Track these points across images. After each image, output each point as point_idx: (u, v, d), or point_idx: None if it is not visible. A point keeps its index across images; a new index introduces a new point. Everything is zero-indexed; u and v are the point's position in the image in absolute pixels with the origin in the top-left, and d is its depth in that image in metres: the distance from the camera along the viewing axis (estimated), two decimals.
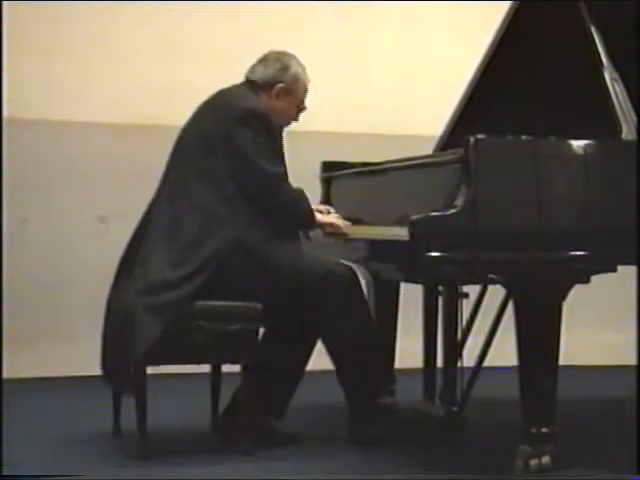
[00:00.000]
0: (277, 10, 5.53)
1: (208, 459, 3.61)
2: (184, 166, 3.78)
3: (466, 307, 3.92)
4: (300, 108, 3.93)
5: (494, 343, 3.99)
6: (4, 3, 4.80)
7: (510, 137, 3.39)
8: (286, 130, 3.93)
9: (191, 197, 3.70)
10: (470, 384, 3.95)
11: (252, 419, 3.67)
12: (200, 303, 3.59)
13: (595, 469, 3.48)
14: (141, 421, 3.57)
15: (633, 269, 3.65)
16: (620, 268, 3.47)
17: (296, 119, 3.94)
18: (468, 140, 3.31)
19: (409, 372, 4.27)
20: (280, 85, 3.86)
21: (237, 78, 3.91)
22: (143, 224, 3.82)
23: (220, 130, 3.72)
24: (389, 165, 4.03)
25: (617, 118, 3.49)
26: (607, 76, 3.57)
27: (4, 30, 5.02)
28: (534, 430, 3.36)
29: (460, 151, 3.35)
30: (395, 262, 3.67)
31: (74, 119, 5.37)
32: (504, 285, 3.44)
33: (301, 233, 3.86)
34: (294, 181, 3.82)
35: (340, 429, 3.88)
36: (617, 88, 3.55)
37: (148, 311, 3.53)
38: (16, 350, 4.95)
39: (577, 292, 3.41)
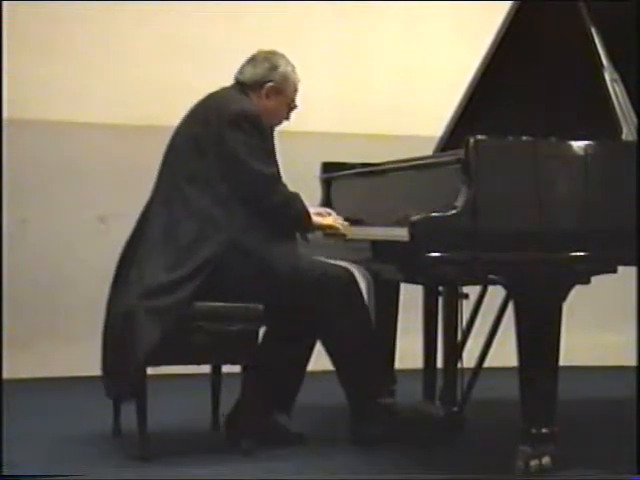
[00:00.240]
0: (277, 10, 5.53)
1: (208, 459, 3.61)
2: (177, 169, 3.77)
3: (466, 308, 3.92)
4: (291, 107, 3.91)
5: (494, 344, 3.99)
6: (4, 3, 4.80)
7: (510, 138, 3.38)
8: (286, 131, 3.93)
9: (186, 200, 3.69)
10: (470, 384, 3.95)
11: (253, 419, 3.67)
12: (200, 304, 3.59)
13: (595, 469, 3.48)
14: (141, 421, 3.57)
15: (633, 270, 3.65)
16: (620, 269, 3.47)
17: (287, 118, 3.93)
18: (468, 141, 3.31)
19: (409, 372, 4.27)
20: (269, 85, 3.84)
21: None
22: (139, 226, 3.82)
23: (212, 133, 3.71)
24: (389, 166, 4.04)
25: (617, 119, 3.49)
26: (607, 77, 3.57)
27: (4, 30, 5.03)
28: (534, 430, 3.35)
29: (460, 152, 3.35)
30: (395, 263, 3.66)
31: (74, 119, 5.36)
32: (504, 286, 3.44)
33: (298, 235, 3.86)
34: (294, 182, 3.82)
35: (340, 429, 3.89)
36: (617, 89, 3.55)
37: (148, 314, 3.53)
38: (16, 350, 4.95)
39: (577, 293, 3.40)
